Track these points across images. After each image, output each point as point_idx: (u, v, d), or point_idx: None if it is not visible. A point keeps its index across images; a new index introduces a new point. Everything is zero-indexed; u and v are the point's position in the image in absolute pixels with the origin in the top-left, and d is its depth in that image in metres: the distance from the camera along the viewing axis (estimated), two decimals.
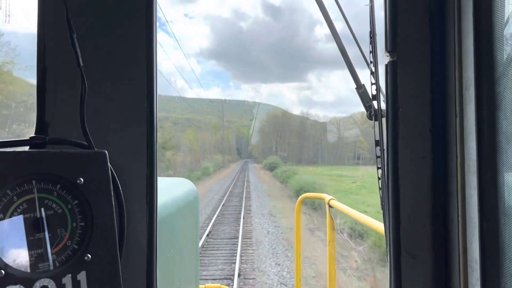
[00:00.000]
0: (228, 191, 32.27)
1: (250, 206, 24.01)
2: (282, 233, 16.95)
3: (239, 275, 11.28)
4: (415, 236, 1.32)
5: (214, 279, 10.90)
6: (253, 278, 11.26)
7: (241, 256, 13.13)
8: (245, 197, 28.44)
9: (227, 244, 14.69)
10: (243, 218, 19.88)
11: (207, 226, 17.22)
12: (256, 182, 44.88)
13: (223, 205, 24.10)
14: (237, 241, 14.85)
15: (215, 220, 18.91)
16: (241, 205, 23.87)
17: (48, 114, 1.27)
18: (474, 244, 1.18)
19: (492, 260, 1.14)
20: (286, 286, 11.19)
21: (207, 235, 15.84)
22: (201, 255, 13.30)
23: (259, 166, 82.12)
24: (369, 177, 19.19)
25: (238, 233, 16.37)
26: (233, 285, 10.54)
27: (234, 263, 12.31)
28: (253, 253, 13.84)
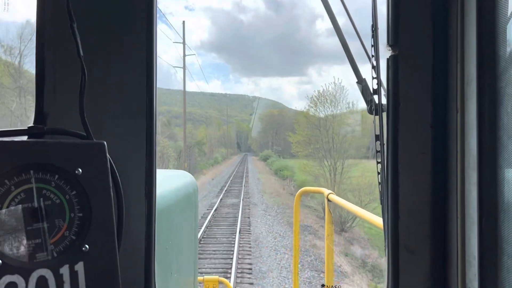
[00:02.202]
0: (235, 171, 56.35)
1: (248, 176, 48.61)
2: (260, 181, 42.30)
3: (244, 184, 36.31)
4: (414, 231, 1.32)
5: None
6: (246, 189, 33.32)
7: (245, 184, 36.42)
8: (245, 173, 53.25)
9: (237, 186, 35.30)
10: (245, 178, 44.11)
11: (229, 178, 42.95)
12: (252, 167, 69.72)
13: (234, 175, 48.90)
14: (242, 182, 38.40)
15: (231, 179, 42.56)
16: (243, 176, 47.88)
17: (47, 104, 1.26)
18: (472, 240, 1.18)
19: (490, 256, 1.14)
20: (257, 188, 34.55)
21: (230, 184, 36.95)
22: (230, 183, 37.99)
23: (256, 158, 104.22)
24: (340, 165, 29.61)
25: (243, 181, 40.26)
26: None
27: (242, 185, 34.99)
28: (247, 184, 37.83)
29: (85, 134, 1.17)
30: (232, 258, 12.79)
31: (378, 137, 1.49)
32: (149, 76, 1.30)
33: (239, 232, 16.08)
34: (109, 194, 1.09)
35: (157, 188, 1.36)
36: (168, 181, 2.74)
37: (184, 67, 46.66)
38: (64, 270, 1.01)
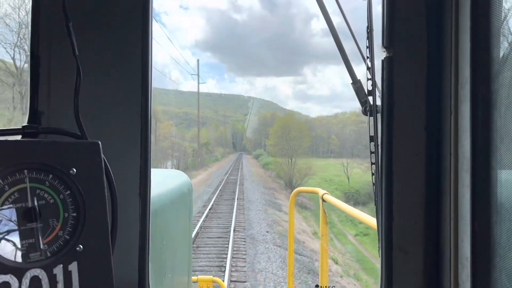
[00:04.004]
0: (233, 165, 77.98)
1: (242, 169, 69.65)
2: (251, 171, 69.26)
3: (240, 171, 66.80)
4: (407, 232, 1.33)
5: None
6: (241, 173, 63.16)
7: (240, 172, 63.97)
8: (240, 167, 72.79)
9: (235, 172, 61.89)
10: (240, 169, 69.44)
11: (229, 169, 68.41)
12: (246, 162, 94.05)
13: (233, 167, 70.12)
14: (239, 170, 67.09)
15: (230, 171, 63.76)
16: (239, 168, 70.43)
17: (41, 103, 1.25)
18: (465, 241, 1.19)
19: (483, 257, 1.15)
20: (248, 174, 64.65)
21: (230, 171, 65.11)
22: (230, 170, 69.06)
23: (250, 156, 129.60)
24: (294, 159, 59.82)
25: (239, 169, 68.26)
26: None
27: (238, 171, 64.78)
28: (242, 171, 66.27)
29: (79, 133, 1.16)
30: (235, 192, 31.59)
31: (372, 138, 1.49)
32: (144, 76, 1.30)
33: (238, 185, 38.36)
34: (103, 194, 1.09)
35: (152, 188, 1.36)
36: (163, 181, 2.74)
37: (198, 93, 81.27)
38: (58, 270, 1.00)
